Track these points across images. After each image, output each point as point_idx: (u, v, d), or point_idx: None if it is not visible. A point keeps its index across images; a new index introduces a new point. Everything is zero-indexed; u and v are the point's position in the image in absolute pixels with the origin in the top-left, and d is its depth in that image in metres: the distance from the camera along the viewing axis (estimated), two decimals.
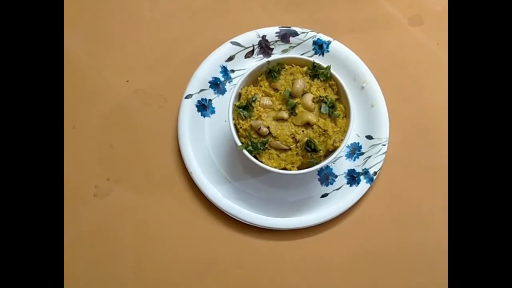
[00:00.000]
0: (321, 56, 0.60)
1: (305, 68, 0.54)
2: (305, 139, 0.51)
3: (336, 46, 0.60)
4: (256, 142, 0.51)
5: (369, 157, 0.58)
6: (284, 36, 0.61)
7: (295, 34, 0.61)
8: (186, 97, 0.59)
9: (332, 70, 0.53)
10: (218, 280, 0.56)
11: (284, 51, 0.61)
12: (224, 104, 0.58)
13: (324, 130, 0.52)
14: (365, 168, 0.57)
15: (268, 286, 0.56)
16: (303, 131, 0.52)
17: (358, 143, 0.59)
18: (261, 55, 0.61)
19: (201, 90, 0.59)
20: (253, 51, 0.61)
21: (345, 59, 0.60)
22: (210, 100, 0.60)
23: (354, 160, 0.58)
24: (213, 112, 0.60)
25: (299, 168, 0.52)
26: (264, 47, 0.61)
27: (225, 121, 0.58)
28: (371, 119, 0.58)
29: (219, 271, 0.56)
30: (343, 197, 0.57)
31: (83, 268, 0.56)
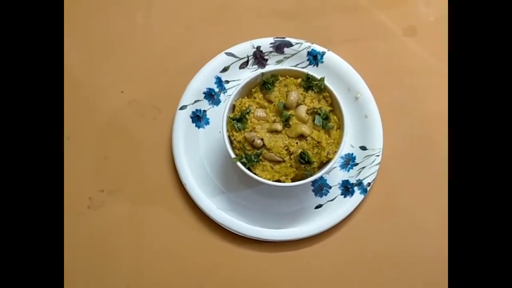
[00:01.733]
0: (315, 66, 0.61)
1: (299, 80, 0.54)
2: (299, 151, 0.51)
3: (330, 56, 0.60)
4: (250, 154, 0.51)
5: (363, 168, 0.58)
6: (279, 47, 0.61)
7: (289, 44, 0.61)
8: (181, 108, 0.59)
9: (326, 82, 0.53)
10: None
11: (278, 61, 0.61)
12: (218, 115, 0.58)
13: (318, 142, 0.52)
14: (359, 179, 0.57)
15: None
16: (297, 143, 0.52)
17: (352, 153, 0.59)
18: (256, 66, 0.61)
19: (195, 101, 0.59)
20: (247, 61, 0.61)
21: (339, 70, 0.60)
22: (204, 111, 0.60)
23: (348, 171, 0.58)
24: (207, 123, 0.60)
25: (293, 180, 0.52)
26: (259, 57, 0.61)
27: (220, 132, 0.58)
28: (365, 130, 0.59)
29: (213, 282, 0.56)
30: (337, 208, 0.57)
31: (77, 279, 0.56)
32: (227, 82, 0.61)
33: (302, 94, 0.53)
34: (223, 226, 0.56)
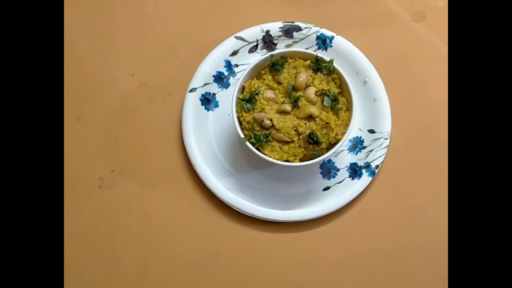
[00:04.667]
0: (324, 51, 0.61)
1: (308, 62, 0.54)
2: (308, 131, 0.52)
3: (339, 41, 0.61)
4: (259, 134, 0.52)
5: (371, 150, 0.58)
6: (288, 31, 0.61)
7: (298, 29, 0.61)
8: (190, 91, 0.59)
9: (334, 64, 0.53)
10: (220, 271, 0.57)
11: (287, 46, 0.62)
12: (227, 98, 0.59)
13: (327, 123, 0.52)
14: (367, 162, 0.58)
15: (270, 278, 0.57)
16: (305, 123, 0.52)
17: (360, 137, 0.59)
18: (265, 50, 0.62)
19: (205, 84, 0.60)
20: (257, 46, 0.61)
21: (348, 54, 0.60)
22: (214, 94, 0.60)
23: (356, 153, 0.59)
24: (216, 106, 0.60)
25: (301, 160, 0.52)
26: (268, 42, 0.62)
27: (229, 114, 0.59)
28: (374, 113, 0.59)
29: (221, 263, 0.57)
30: (345, 190, 0.57)
31: (86, 259, 0.57)
32: (237, 65, 0.61)
33: (311, 76, 0.54)
34: (231, 207, 0.57)
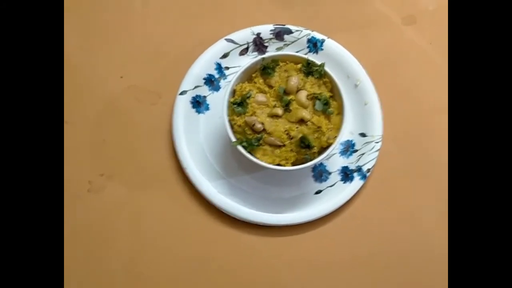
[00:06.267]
0: (315, 54, 0.61)
1: (299, 65, 0.54)
2: (299, 135, 0.51)
3: (330, 44, 0.61)
4: (250, 138, 0.52)
5: (363, 154, 0.58)
6: (279, 34, 0.61)
7: (289, 32, 0.61)
8: (181, 94, 0.59)
9: (326, 68, 0.53)
10: (211, 275, 0.56)
11: (278, 48, 0.61)
12: (218, 100, 0.58)
13: (318, 127, 0.52)
14: (359, 165, 0.58)
15: (261, 282, 0.56)
16: (297, 127, 0.52)
17: (352, 140, 0.59)
18: (256, 53, 0.61)
19: (195, 87, 0.59)
20: (247, 48, 0.61)
21: (338, 57, 0.60)
22: (204, 96, 0.60)
23: (348, 157, 0.59)
24: (207, 108, 0.60)
25: (293, 164, 0.52)
26: (259, 44, 0.61)
27: (220, 117, 0.58)
28: (365, 117, 0.59)
29: (212, 266, 0.56)
30: (337, 193, 0.57)
31: (76, 263, 0.56)
32: (227, 68, 0.61)
33: (302, 79, 0.53)
34: (223, 211, 0.56)
